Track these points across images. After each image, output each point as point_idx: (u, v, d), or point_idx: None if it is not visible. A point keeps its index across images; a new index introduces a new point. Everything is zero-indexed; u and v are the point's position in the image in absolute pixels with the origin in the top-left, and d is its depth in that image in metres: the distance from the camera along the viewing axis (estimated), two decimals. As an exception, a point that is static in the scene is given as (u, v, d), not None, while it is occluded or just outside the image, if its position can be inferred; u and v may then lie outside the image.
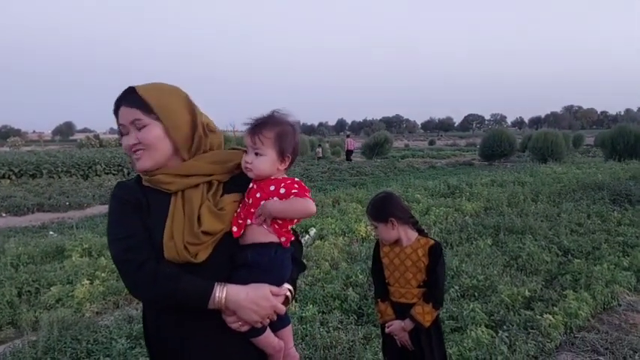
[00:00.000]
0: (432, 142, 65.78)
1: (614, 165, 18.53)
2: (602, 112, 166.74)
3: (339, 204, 10.88)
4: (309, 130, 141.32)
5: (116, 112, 1.56)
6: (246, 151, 1.61)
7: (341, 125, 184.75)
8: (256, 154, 1.57)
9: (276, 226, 1.59)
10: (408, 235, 2.51)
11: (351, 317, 4.50)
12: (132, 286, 1.52)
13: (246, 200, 1.61)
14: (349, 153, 30.97)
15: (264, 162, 1.57)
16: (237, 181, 1.63)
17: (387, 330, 2.56)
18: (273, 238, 1.58)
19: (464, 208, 9.97)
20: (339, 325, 4.27)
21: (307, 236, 7.70)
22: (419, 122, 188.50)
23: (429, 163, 29.70)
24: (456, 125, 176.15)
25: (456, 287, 5.04)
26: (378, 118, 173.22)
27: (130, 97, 1.53)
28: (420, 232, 2.56)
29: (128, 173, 21.74)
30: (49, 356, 3.82)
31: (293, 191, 1.57)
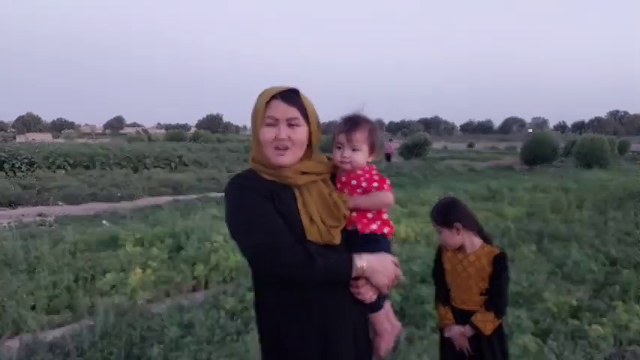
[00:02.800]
0: (471, 145, 64.68)
1: (664, 173, 17.83)
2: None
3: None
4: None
5: (266, 102, 1.68)
6: (339, 148, 1.83)
7: (379, 125, 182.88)
8: (353, 149, 1.80)
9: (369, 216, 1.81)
10: (473, 241, 2.50)
11: (394, 318, 4.54)
12: (285, 265, 1.60)
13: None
14: (388, 156, 30.72)
15: (360, 156, 1.81)
16: (332, 179, 1.86)
17: (446, 334, 2.58)
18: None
19: (505, 212, 9.85)
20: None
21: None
22: (458, 124, 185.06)
23: (469, 165, 29.13)
24: (495, 128, 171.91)
25: (500, 293, 5.01)
26: (416, 119, 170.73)
27: (291, 97, 1.70)
28: (485, 239, 2.55)
29: (175, 167, 22.27)
30: (106, 340, 4.02)
31: (374, 185, 1.80)
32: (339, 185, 1.85)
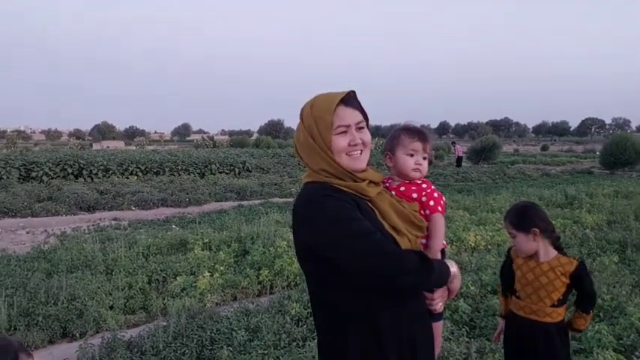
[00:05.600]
0: (544, 148, 61.85)
1: None
2: None
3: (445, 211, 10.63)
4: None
5: (332, 109, 1.62)
6: (411, 155, 1.84)
7: (443, 128, 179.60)
8: (424, 157, 1.86)
9: None
10: (547, 250, 2.40)
11: (463, 329, 4.40)
12: (407, 271, 1.50)
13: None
14: (459, 159, 30.02)
15: (427, 165, 1.87)
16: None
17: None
18: None
19: (584, 220, 9.37)
20: (450, 336, 4.21)
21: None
22: (530, 126, 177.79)
23: (542, 170, 27.91)
24: (572, 129, 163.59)
25: (579, 306, 4.73)
26: (484, 121, 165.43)
27: (354, 101, 1.68)
28: (559, 249, 2.44)
29: (239, 172, 22.80)
30: (179, 341, 4.16)
31: (430, 203, 1.79)
32: (394, 193, 1.82)
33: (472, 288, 5.30)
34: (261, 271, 6.17)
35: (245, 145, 44.60)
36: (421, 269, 1.53)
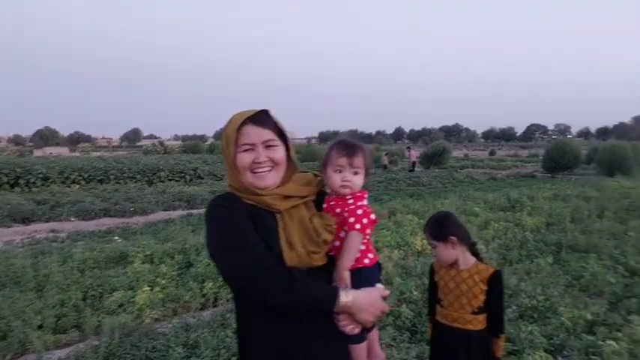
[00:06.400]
0: (492, 152, 64.15)
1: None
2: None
3: (394, 215, 10.77)
4: (366, 138, 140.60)
5: (237, 128, 1.65)
6: (339, 172, 1.79)
7: (399, 134, 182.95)
8: (354, 173, 1.79)
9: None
10: (466, 258, 2.46)
11: (405, 335, 4.43)
12: (269, 290, 1.54)
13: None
14: (414, 165, 30.77)
15: (360, 179, 1.81)
16: (317, 200, 1.82)
17: None
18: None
19: (524, 222, 9.67)
20: (392, 343, 4.22)
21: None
22: (479, 131, 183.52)
23: (489, 174, 28.83)
24: (517, 135, 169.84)
25: (514, 307, 4.86)
26: (437, 127, 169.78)
27: (263, 119, 1.68)
28: (477, 256, 2.50)
29: (190, 180, 22.30)
30: (110, 361, 3.98)
31: (350, 220, 1.74)
32: (325, 205, 1.81)
33: (415, 293, 5.34)
34: (205, 284, 6.00)
35: (198, 151, 43.75)
36: (285, 288, 1.53)
